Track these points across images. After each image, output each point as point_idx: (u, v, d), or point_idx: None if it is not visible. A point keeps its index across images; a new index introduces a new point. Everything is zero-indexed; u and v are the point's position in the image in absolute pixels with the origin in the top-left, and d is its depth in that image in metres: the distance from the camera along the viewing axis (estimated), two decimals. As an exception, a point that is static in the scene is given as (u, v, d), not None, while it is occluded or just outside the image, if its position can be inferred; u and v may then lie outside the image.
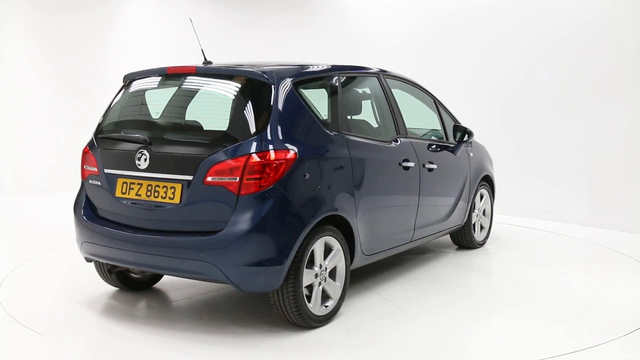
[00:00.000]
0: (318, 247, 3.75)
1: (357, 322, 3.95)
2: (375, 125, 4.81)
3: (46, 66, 9.80)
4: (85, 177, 4.13)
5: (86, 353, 3.46)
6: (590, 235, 6.62)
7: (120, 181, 3.85)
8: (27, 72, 9.63)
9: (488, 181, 6.02)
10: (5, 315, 4.03)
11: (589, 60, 7.18)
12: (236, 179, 3.43)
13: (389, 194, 4.45)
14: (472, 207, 5.73)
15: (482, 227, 6.01)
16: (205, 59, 4.20)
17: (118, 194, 3.85)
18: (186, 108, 3.96)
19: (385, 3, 9.05)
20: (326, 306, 3.88)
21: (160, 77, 4.12)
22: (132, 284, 4.52)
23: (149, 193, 3.71)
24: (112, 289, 4.59)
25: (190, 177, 3.54)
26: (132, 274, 4.49)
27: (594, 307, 4.29)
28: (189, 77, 4.02)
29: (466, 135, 5.32)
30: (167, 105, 4.03)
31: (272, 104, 3.61)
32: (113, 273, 4.35)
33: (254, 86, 3.70)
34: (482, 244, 6.02)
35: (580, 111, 7.28)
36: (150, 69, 4.18)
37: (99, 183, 3.98)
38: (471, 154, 5.63)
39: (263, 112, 3.59)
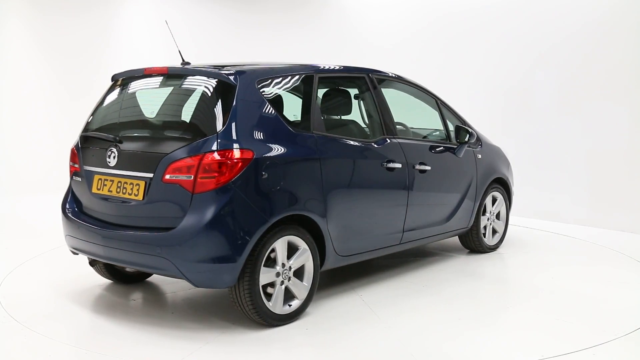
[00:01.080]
0: (279, 246, 3.77)
1: (321, 323, 3.94)
2: (360, 125, 4.82)
3: (46, 66, 9.80)
4: (71, 173, 4.33)
5: (86, 353, 3.46)
6: (590, 235, 6.62)
7: (96, 178, 4.03)
8: (27, 72, 9.63)
9: (503, 184, 5.83)
10: (5, 315, 4.04)
11: (589, 60, 7.18)
12: (191, 177, 3.51)
13: (368, 195, 4.38)
14: (482, 211, 5.58)
15: (495, 231, 5.84)
16: (183, 60, 4.31)
17: (94, 189, 4.03)
18: (155, 107, 4.08)
19: (386, 3, 9.05)
20: (290, 305, 3.89)
21: (139, 78, 4.26)
22: (122, 277, 4.66)
23: (118, 189, 3.86)
24: (111, 288, 4.60)
25: (151, 175, 3.67)
26: (117, 267, 4.55)
27: (594, 307, 4.29)
28: (161, 78, 4.16)
29: (467, 137, 5.19)
30: (138, 104, 4.16)
31: (232, 104, 3.66)
32: (96, 265, 4.52)
33: (217, 86, 3.77)
34: (494, 248, 5.83)
35: (580, 111, 7.28)
36: (132, 69, 4.31)
37: (80, 179, 4.19)
38: (479, 156, 5.47)
39: (223, 111, 3.65)
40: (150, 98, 4.19)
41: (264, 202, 3.66)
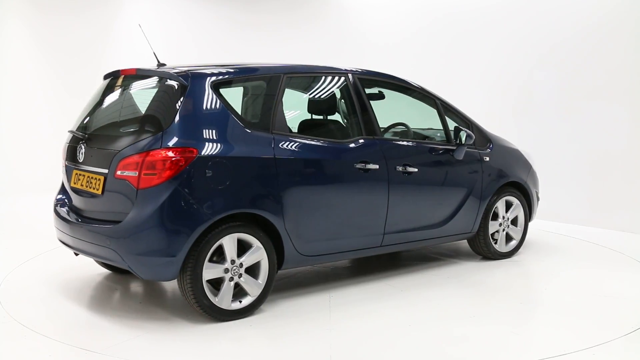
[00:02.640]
0: (227, 243, 3.85)
1: (269, 320, 3.97)
2: (336, 126, 4.82)
3: (46, 66, 9.80)
4: (63, 169, 4.56)
5: (86, 353, 3.46)
6: (590, 235, 6.62)
7: (74, 172, 4.28)
8: (27, 72, 9.63)
9: (520, 189, 5.57)
10: (5, 315, 4.04)
11: (589, 60, 7.17)
12: (136, 173, 3.67)
13: (336, 196, 4.33)
14: (490, 215, 5.31)
15: (510, 238, 5.57)
16: (159, 62, 4.45)
17: (72, 184, 4.29)
18: (118, 106, 4.29)
19: (386, 3, 9.05)
20: (240, 302, 3.95)
21: (116, 78, 4.46)
22: (115, 267, 4.75)
23: (87, 184, 4.09)
24: (112, 288, 4.60)
25: (106, 171, 3.88)
26: None
27: (594, 307, 4.29)
28: (130, 78, 4.36)
29: (464, 138, 5.00)
30: (109, 103, 4.37)
31: (181, 103, 3.80)
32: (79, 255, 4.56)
33: (169, 87, 3.94)
34: (506, 255, 5.52)
35: (580, 111, 7.28)
36: (116, 70, 4.49)
37: (64, 174, 4.46)
38: (486, 158, 5.25)
39: (172, 111, 3.80)
40: (117, 97, 4.37)
41: (206, 199, 3.75)
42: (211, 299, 3.82)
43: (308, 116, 4.76)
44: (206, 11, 10.47)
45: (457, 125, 5.11)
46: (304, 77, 4.68)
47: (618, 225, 6.86)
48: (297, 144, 4.18)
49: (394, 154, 4.65)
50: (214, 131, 3.84)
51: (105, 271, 5.00)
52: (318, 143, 4.32)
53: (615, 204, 7.00)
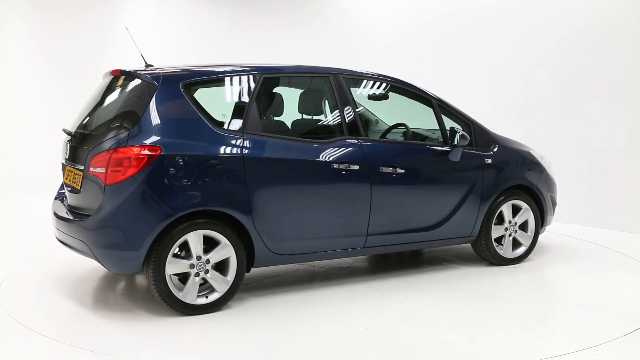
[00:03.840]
0: (192, 239, 3.96)
1: (232, 316, 4.04)
2: (316, 126, 4.85)
3: (46, 66, 9.80)
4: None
5: (86, 353, 3.46)
6: (590, 235, 6.62)
7: (66, 169, 4.47)
8: (27, 72, 9.63)
9: (530, 193, 5.36)
10: (5, 315, 4.04)
11: (589, 60, 7.17)
12: (104, 170, 3.85)
13: (311, 196, 4.34)
14: (493, 219, 5.12)
15: (519, 244, 5.33)
16: (146, 63, 4.55)
17: (64, 179, 4.51)
18: (101, 105, 4.39)
19: (386, 3, 9.05)
20: (207, 297, 4.05)
21: (108, 78, 4.57)
22: None
23: (72, 180, 4.30)
24: (113, 287, 4.60)
25: (82, 167, 4.09)
26: None
27: (594, 307, 4.29)
28: (114, 79, 4.47)
29: (458, 140, 4.85)
30: (95, 102, 4.47)
31: (149, 103, 3.97)
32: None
33: (142, 87, 4.09)
34: (513, 261, 5.30)
35: (580, 111, 7.28)
36: (110, 70, 4.59)
37: (62, 171, 4.61)
38: (488, 160, 5.09)
39: (141, 111, 3.96)
40: (101, 97, 4.48)
41: (169, 196, 3.86)
42: (175, 293, 3.93)
43: (289, 116, 4.81)
44: (206, 11, 10.47)
45: (452, 126, 4.98)
46: (284, 77, 4.72)
47: (618, 225, 6.86)
48: (270, 144, 4.23)
49: (379, 155, 4.59)
50: (180, 130, 3.98)
51: (105, 271, 5.00)
52: (292, 143, 4.34)
53: (615, 204, 7.00)
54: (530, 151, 5.54)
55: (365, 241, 4.62)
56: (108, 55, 10.21)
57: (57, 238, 4.53)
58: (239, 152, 4.08)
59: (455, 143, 4.89)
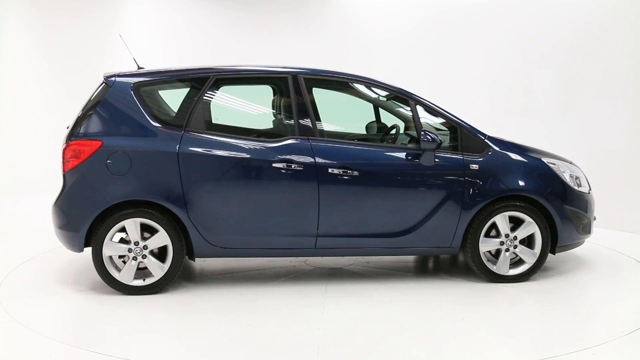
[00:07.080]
0: (129, 225, 4.40)
1: (168, 303, 4.28)
2: (267, 126, 4.96)
3: (46, 67, 9.81)
4: None
5: (86, 353, 3.46)
6: (591, 235, 6.60)
7: None
8: (27, 72, 9.63)
9: (538, 205, 4.78)
10: (5, 315, 4.04)
11: (589, 60, 7.18)
12: (62, 160, 4.44)
13: (250, 193, 4.47)
14: (481, 231, 4.70)
15: (520, 261, 4.81)
16: (138, 66, 4.90)
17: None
18: (85, 105, 4.66)
19: (386, 3, 9.05)
20: (144, 280, 4.45)
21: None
22: None
23: None
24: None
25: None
26: None
27: (594, 307, 4.29)
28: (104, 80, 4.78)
29: (425, 143, 4.54)
30: (85, 102, 4.71)
31: (99, 101, 4.47)
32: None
33: (102, 88, 4.55)
34: (511, 279, 4.79)
35: (580, 111, 7.28)
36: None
37: None
38: (474, 166, 4.67)
39: (93, 109, 4.48)
40: (89, 97, 4.72)
41: (106, 185, 4.36)
42: (112, 274, 4.41)
43: (241, 116, 4.98)
44: (206, 12, 10.47)
45: (424, 129, 4.63)
46: (237, 78, 4.82)
47: (618, 225, 6.86)
48: (208, 142, 4.47)
49: (328, 155, 4.52)
50: (122, 127, 4.45)
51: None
52: (232, 141, 4.51)
53: (615, 204, 7.00)
54: (548, 159, 4.95)
55: (316, 242, 4.59)
56: (108, 56, 10.20)
57: None
58: (174, 148, 4.40)
59: (422, 147, 4.56)
